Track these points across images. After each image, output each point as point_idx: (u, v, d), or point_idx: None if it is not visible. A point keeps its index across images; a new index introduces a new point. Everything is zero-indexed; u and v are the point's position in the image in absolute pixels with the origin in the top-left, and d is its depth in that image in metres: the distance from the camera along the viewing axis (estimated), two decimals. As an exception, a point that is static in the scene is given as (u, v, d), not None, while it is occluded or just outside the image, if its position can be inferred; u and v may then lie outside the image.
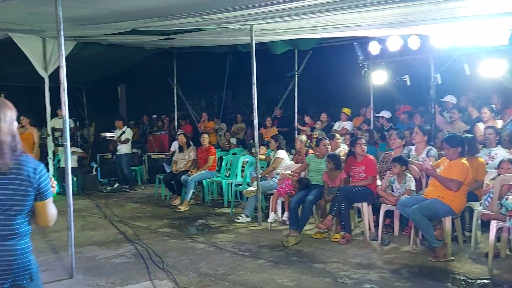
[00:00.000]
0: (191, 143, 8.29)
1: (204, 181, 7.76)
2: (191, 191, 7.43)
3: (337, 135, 6.79)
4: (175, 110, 11.63)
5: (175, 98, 11.60)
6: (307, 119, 10.03)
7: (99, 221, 6.57)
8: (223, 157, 8.36)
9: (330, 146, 6.15)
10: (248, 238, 5.58)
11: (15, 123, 2.07)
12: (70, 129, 5.94)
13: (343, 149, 6.51)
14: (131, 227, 6.17)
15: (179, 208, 7.23)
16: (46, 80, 7.52)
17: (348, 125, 8.91)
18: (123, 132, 9.26)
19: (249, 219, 6.37)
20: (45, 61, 7.54)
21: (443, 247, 4.59)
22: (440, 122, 7.44)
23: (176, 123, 11.65)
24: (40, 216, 2.08)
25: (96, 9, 5.12)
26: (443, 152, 5.09)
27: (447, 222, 4.66)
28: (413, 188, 5.19)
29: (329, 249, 5.06)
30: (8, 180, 1.97)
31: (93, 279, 4.22)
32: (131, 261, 4.77)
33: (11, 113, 2.04)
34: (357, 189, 5.40)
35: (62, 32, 4.25)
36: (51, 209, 2.10)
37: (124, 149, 9.28)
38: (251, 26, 6.08)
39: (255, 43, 6.30)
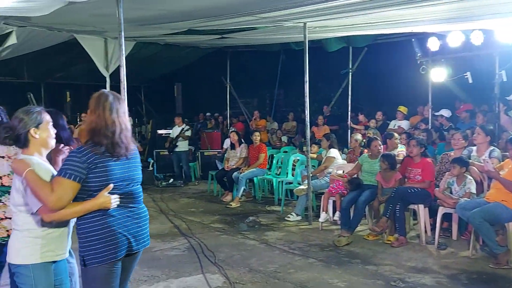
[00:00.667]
0: (242, 140, 8.39)
1: (255, 179, 7.83)
2: (242, 188, 7.52)
3: (395, 135, 6.57)
4: (228, 108, 11.82)
5: (228, 96, 11.78)
6: (361, 117, 9.82)
7: (155, 215, 6.81)
8: (274, 155, 8.38)
9: (381, 146, 5.99)
10: (299, 237, 5.56)
11: None
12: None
13: (401, 151, 6.27)
14: (185, 221, 6.35)
15: (231, 205, 7.34)
16: (108, 79, 7.86)
17: (404, 124, 8.62)
18: (183, 129, 9.57)
19: (299, 217, 6.34)
20: (106, 61, 7.91)
21: (506, 254, 4.34)
22: (505, 121, 7.00)
23: (228, 121, 11.83)
24: None
25: (155, 10, 5.31)
26: (507, 153, 4.79)
27: (511, 227, 4.39)
28: (474, 190, 4.93)
29: (382, 251, 4.93)
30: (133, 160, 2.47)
31: (149, 270, 4.39)
32: (184, 254, 4.91)
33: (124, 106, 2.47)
34: (413, 190, 5.21)
35: (122, 33, 4.44)
36: None
37: (183, 146, 9.59)
38: (305, 23, 6.04)
39: (308, 41, 6.25)
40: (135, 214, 2.45)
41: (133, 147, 2.47)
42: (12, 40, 7.01)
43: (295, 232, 5.80)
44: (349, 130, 9.32)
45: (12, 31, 6.76)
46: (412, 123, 8.65)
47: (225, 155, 8.63)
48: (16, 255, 2.38)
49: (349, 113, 9.64)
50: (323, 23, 6.19)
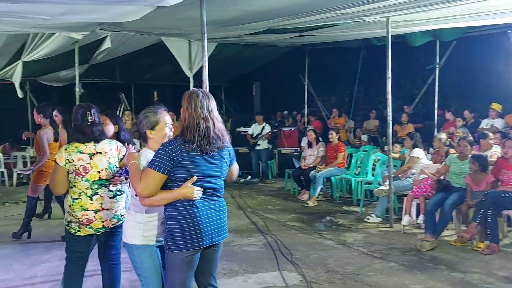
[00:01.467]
0: (320, 139, 8.30)
1: (332, 178, 7.71)
2: (319, 187, 7.44)
3: (490, 134, 6.07)
4: (305, 106, 11.76)
5: (306, 94, 11.72)
6: (448, 115, 9.22)
7: (233, 210, 7.00)
8: (353, 154, 8.18)
9: (471, 146, 5.56)
10: (379, 239, 5.38)
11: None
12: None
13: (495, 152, 5.79)
14: (262, 218, 6.44)
15: (307, 204, 7.31)
16: (191, 79, 8.21)
17: (498, 122, 7.94)
18: (263, 128, 9.74)
19: (379, 219, 6.13)
20: (190, 62, 8.27)
21: None
22: None
23: (305, 119, 11.77)
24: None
25: (236, 11, 5.44)
26: None
27: None
28: None
29: (470, 258, 4.60)
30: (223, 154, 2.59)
31: (227, 264, 4.52)
32: (261, 251, 4.99)
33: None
34: (507, 195, 4.79)
35: (205, 35, 4.60)
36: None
37: (264, 144, 9.77)
38: (388, 18, 5.82)
39: (391, 36, 6.01)
40: (217, 207, 2.58)
41: (226, 143, 2.57)
42: (107, 44, 7.62)
43: (375, 234, 5.62)
44: (435, 129, 8.80)
45: (107, 36, 7.35)
46: (507, 122, 7.94)
47: (302, 153, 8.61)
48: (125, 234, 2.73)
49: (436, 110, 9.11)
50: (407, 17, 5.91)
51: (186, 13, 5.41)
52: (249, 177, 9.82)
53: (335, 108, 11.65)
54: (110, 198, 3.12)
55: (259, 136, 9.82)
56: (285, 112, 12.88)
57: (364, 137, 10.38)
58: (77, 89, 7.84)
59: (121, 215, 3.17)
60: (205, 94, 2.55)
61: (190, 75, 8.24)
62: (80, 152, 3.02)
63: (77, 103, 7.81)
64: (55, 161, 3.03)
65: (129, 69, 12.23)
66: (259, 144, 9.80)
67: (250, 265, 4.52)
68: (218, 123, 2.53)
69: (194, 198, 2.44)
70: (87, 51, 8.46)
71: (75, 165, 3.01)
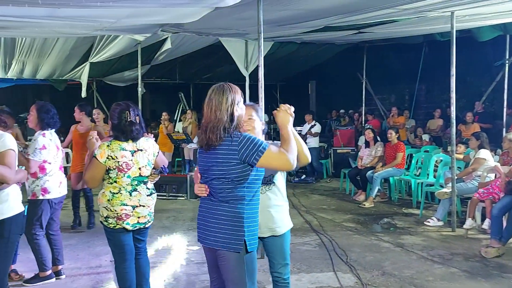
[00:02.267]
0: (378, 138, 8.08)
1: (391, 179, 7.47)
2: (377, 188, 7.25)
3: None
4: (363, 104, 11.48)
5: (363, 92, 11.44)
6: (518, 114, 8.63)
7: (287, 209, 7.00)
8: (413, 155, 7.88)
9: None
10: (439, 243, 5.15)
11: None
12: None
13: None
14: (316, 218, 6.39)
15: (364, 204, 7.14)
16: (247, 78, 8.30)
17: None
18: (312, 126, 9.64)
19: (441, 223, 5.87)
20: (246, 61, 8.37)
21: None
22: None
23: (363, 118, 11.50)
24: None
25: (293, 10, 5.43)
26: None
27: None
28: None
29: (543, 269, 4.28)
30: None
31: (281, 262, 4.53)
32: (315, 250, 4.95)
33: (232, 97, 2.38)
34: None
35: (262, 34, 4.64)
36: None
37: (313, 142, 9.66)
38: (452, 12, 5.54)
39: (456, 31, 5.71)
40: (206, 209, 2.44)
41: (221, 141, 2.30)
42: (167, 45, 7.91)
43: (436, 238, 5.39)
44: (504, 129, 8.26)
45: (167, 37, 7.62)
46: None
47: (359, 153, 8.42)
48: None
49: (505, 109, 8.55)
50: (474, 11, 5.60)
51: (244, 13, 5.48)
52: (303, 176, 9.77)
53: (395, 106, 11.28)
54: (147, 195, 3.22)
55: (302, 134, 9.72)
56: (341, 111, 12.66)
57: (426, 137, 9.95)
58: (139, 89, 8.21)
59: (153, 213, 3.29)
60: (215, 89, 2.43)
61: (246, 74, 8.34)
62: (123, 149, 3.10)
63: (140, 102, 8.19)
64: (94, 157, 3.06)
65: (188, 69, 12.60)
66: (307, 143, 9.70)
67: (304, 264, 4.50)
68: (217, 119, 2.32)
69: (196, 193, 2.52)
70: (149, 52, 8.83)
71: (118, 161, 3.07)
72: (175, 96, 12.68)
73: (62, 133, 12.34)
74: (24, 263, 4.40)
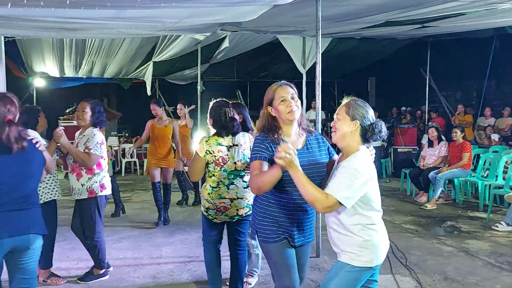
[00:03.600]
0: (442, 137, 7.71)
1: (455, 180, 7.11)
2: (440, 189, 6.93)
3: None
4: (426, 102, 11.00)
5: (427, 89, 10.96)
6: None
7: (344, 208, 6.88)
8: (481, 155, 7.44)
9: None
10: (509, 250, 4.83)
11: None
12: (322, 120, 6.39)
13: None
14: (375, 218, 6.21)
15: (426, 206, 6.86)
16: (304, 76, 8.25)
17: None
18: None
19: (510, 228, 5.50)
20: (303, 58, 8.31)
21: None
22: None
23: (426, 116, 11.02)
24: None
25: (353, 5, 5.31)
26: None
27: None
28: None
29: None
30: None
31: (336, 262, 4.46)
32: (373, 252, 4.82)
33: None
34: None
35: (320, 31, 4.58)
36: None
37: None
38: (526, 3, 5.16)
39: (531, 23, 5.31)
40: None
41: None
42: (225, 44, 8.06)
43: (505, 244, 5.06)
44: None
45: (226, 36, 7.76)
46: None
47: (422, 152, 8.09)
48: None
49: None
50: (552, 0, 5.17)
51: (302, 10, 5.45)
52: (361, 175, 9.54)
53: (461, 104, 10.70)
54: (244, 188, 3.33)
55: None
56: (403, 108, 12.21)
57: (495, 136, 9.35)
58: (198, 87, 8.43)
59: (251, 205, 3.33)
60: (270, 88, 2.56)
61: (303, 71, 8.28)
62: (219, 144, 3.27)
63: (199, 100, 8.41)
64: (195, 152, 3.31)
65: (246, 67, 12.75)
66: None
67: (361, 265, 4.40)
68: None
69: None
70: (208, 51, 9.04)
71: (215, 156, 3.25)
72: (232, 94, 12.91)
73: (127, 129, 13.04)
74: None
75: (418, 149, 9.16)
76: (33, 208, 2.62)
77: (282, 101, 2.42)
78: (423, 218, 6.30)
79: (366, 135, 2.25)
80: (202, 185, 3.42)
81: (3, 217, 2.47)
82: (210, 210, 3.32)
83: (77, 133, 4.08)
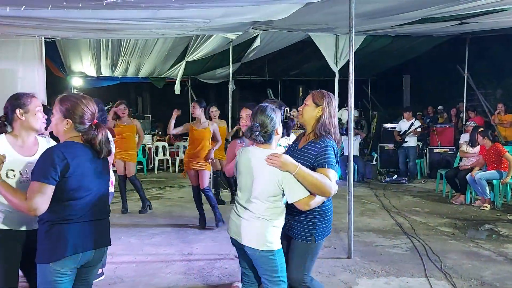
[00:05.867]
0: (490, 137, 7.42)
1: (494, 182, 6.84)
2: (487, 187, 6.69)
3: None
4: (464, 100, 10.64)
5: (465, 87, 10.60)
6: None
7: (377, 210, 6.75)
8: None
9: None
10: (552, 256, 4.61)
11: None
12: (355, 118, 6.28)
13: None
14: (408, 220, 6.08)
15: (486, 207, 6.67)
16: (336, 74, 8.15)
17: None
18: (412, 124, 9.19)
19: (554, 233, 5.25)
20: (336, 56, 8.21)
21: None
22: None
23: (464, 115, 10.66)
24: None
25: (387, 2, 5.20)
26: None
27: None
28: None
29: None
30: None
31: (369, 264, 4.39)
32: (406, 254, 4.72)
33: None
34: None
35: (353, 29, 4.51)
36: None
37: (412, 141, 9.23)
38: None
39: None
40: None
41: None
42: (257, 43, 8.07)
43: (547, 249, 4.83)
44: None
45: (258, 34, 7.77)
46: None
47: (459, 152, 7.83)
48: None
49: None
50: None
51: (334, 8, 5.39)
52: (395, 176, 9.34)
53: (501, 102, 10.28)
54: None
55: (407, 133, 9.27)
56: (439, 107, 11.86)
57: (537, 137, 8.95)
58: (230, 86, 8.48)
59: None
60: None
61: (335, 69, 8.18)
62: (279, 145, 3.12)
63: (230, 98, 8.46)
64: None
65: (277, 66, 12.72)
66: (406, 142, 9.25)
67: (394, 267, 4.31)
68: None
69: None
70: (240, 50, 9.08)
71: None
72: (263, 93, 12.90)
73: (160, 127, 13.28)
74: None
75: (455, 149, 8.88)
76: (108, 218, 2.41)
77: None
78: (459, 220, 6.10)
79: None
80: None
81: (90, 227, 2.23)
82: None
83: None
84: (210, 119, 6.81)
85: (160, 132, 12.88)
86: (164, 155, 11.18)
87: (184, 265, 4.42)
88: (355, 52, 4.65)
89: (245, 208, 2.53)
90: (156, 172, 10.97)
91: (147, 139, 11.30)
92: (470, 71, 10.39)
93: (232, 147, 3.37)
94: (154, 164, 11.15)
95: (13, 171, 2.39)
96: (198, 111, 5.77)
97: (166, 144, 11.30)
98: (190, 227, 5.82)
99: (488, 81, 11.68)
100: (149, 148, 11.23)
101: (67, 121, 2.22)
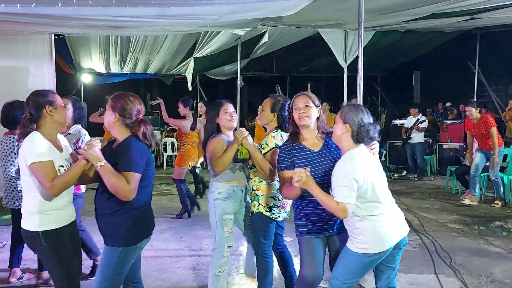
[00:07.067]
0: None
1: (505, 178, 6.78)
2: (478, 185, 6.65)
3: None
4: (475, 96, 10.54)
5: (475, 83, 10.50)
6: None
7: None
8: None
9: None
10: None
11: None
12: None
13: None
14: (417, 217, 6.05)
15: (497, 204, 6.61)
16: (345, 70, 8.11)
17: None
18: (418, 120, 9.13)
19: None
20: (345, 53, 8.17)
21: None
22: None
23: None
24: None
25: (396, -3, 5.17)
26: None
27: None
28: None
29: None
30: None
31: (377, 260, 4.38)
32: (415, 251, 4.70)
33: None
34: None
35: (362, 25, 4.47)
36: None
37: (418, 137, 9.16)
38: None
39: None
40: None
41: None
42: (264, 39, 8.06)
43: (558, 247, 4.79)
44: None
45: (266, 31, 7.76)
46: None
47: (469, 149, 7.76)
48: None
49: None
50: None
51: (343, 4, 5.36)
52: (404, 173, 9.30)
53: (512, 99, 10.17)
54: None
55: (410, 128, 9.20)
56: (447, 104, 11.76)
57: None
58: (238, 82, 8.49)
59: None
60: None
61: (344, 65, 8.15)
62: (277, 145, 3.07)
63: (238, 95, 8.47)
64: (266, 143, 3.11)
65: (285, 62, 12.70)
66: (411, 138, 9.18)
67: (402, 264, 4.29)
68: None
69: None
70: (248, 46, 9.08)
71: None
72: (272, 89, 12.90)
73: (168, 124, 13.32)
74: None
75: (464, 145, 8.81)
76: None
77: (296, 109, 2.74)
78: (469, 217, 6.06)
79: (357, 137, 2.50)
80: (253, 185, 3.19)
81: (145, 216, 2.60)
82: (274, 209, 3.12)
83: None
84: (200, 116, 6.77)
85: (168, 129, 12.94)
86: (173, 151, 11.23)
87: (193, 261, 4.45)
88: (364, 48, 4.62)
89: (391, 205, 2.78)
90: (164, 168, 11.03)
91: (156, 135, 11.36)
92: (481, 67, 10.28)
93: (218, 144, 3.11)
94: (163, 160, 11.21)
95: (63, 166, 2.52)
96: (183, 111, 6.09)
97: (174, 140, 11.36)
98: (199, 223, 5.85)
99: (499, 77, 11.56)
100: (158, 145, 11.29)
101: (116, 114, 2.49)
